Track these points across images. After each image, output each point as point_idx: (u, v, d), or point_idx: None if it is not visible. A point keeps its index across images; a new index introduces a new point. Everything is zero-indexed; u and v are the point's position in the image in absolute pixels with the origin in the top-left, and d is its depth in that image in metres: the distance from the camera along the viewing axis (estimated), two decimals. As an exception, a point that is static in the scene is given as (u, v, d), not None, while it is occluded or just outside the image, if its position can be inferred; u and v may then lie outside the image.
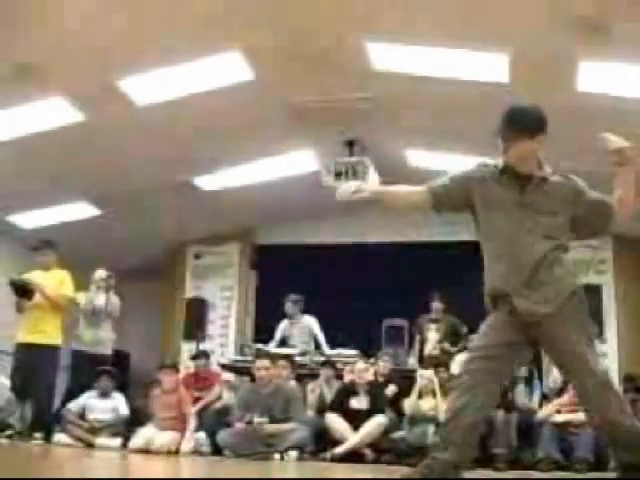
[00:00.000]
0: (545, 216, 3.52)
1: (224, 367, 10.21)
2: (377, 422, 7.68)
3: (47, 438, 7.86)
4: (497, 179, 3.60)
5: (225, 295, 13.17)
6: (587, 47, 7.05)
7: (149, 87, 8.39)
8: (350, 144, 10.38)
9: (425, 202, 3.67)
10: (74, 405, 8.14)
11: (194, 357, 9.72)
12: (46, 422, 8.00)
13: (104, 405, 8.23)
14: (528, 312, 3.41)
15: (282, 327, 9.92)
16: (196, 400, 8.64)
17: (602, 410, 3.35)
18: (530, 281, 3.44)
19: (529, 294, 3.43)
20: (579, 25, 6.67)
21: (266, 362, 7.94)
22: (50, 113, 8.58)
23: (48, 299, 8.04)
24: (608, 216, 3.70)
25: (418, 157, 10.61)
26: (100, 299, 8.70)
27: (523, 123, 3.55)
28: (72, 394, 8.37)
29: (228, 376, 9.89)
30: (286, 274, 12.23)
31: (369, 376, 8.22)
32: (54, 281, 8.19)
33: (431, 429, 7.52)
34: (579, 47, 7.11)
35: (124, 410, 8.31)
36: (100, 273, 8.86)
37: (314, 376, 9.00)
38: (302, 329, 9.83)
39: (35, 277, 8.21)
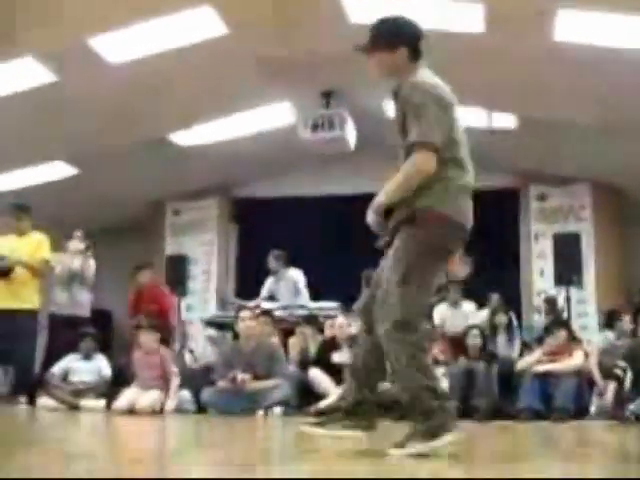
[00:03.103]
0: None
1: (207, 324, 10.23)
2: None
3: (31, 401, 7.88)
4: None
5: (205, 250, 13.14)
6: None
7: (120, 44, 8.24)
8: (327, 96, 10.31)
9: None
10: (57, 368, 8.15)
11: (136, 268, 9.90)
12: (29, 385, 8.01)
13: (87, 367, 8.25)
14: None
15: (268, 284, 9.92)
16: (151, 312, 9.02)
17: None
18: None
19: None
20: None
21: (249, 313, 7.99)
22: (21, 74, 8.42)
23: (27, 267, 7.98)
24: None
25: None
26: (76, 263, 8.66)
27: (380, 34, 3.52)
28: (51, 357, 8.38)
29: (210, 331, 9.92)
30: (266, 227, 12.21)
31: (351, 330, 8.24)
32: (30, 246, 8.13)
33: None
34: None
35: (107, 371, 8.34)
36: (77, 243, 8.80)
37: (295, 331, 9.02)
38: (287, 283, 9.83)
39: (9, 243, 8.13)
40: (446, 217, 3.34)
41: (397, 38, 3.49)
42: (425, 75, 3.49)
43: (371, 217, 3.45)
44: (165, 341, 8.22)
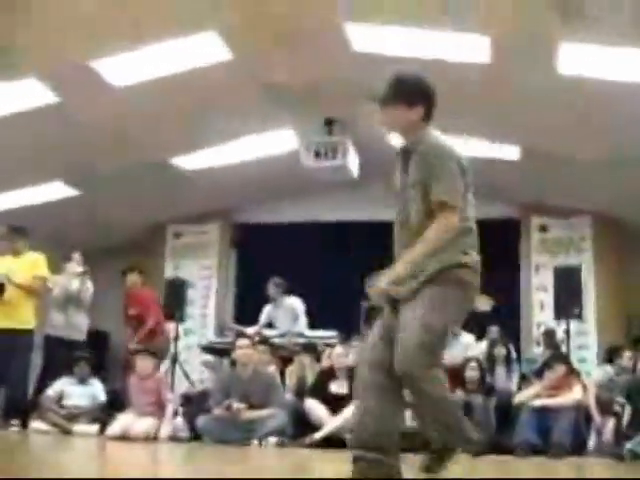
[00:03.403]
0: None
1: (204, 349, 10.18)
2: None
3: (24, 425, 7.81)
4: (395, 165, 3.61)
5: (205, 274, 13.11)
6: (566, 29, 7.01)
7: (124, 68, 8.26)
8: (329, 123, 10.30)
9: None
10: (51, 391, 8.08)
11: (122, 272, 9.83)
12: (22, 408, 7.94)
13: (81, 391, 8.19)
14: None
15: (266, 311, 9.88)
16: (132, 317, 9.27)
17: None
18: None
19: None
20: (558, 7, 6.63)
21: (246, 341, 7.93)
22: (23, 94, 8.43)
23: (20, 288, 7.94)
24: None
25: (399, 137, 10.51)
26: (73, 285, 8.63)
27: (401, 89, 3.51)
28: (46, 379, 8.33)
29: (207, 357, 9.88)
30: (266, 253, 12.18)
31: (348, 361, 8.17)
32: (26, 266, 8.10)
33: (409, 414, 7.50)
34: (558, 29, 7.07)
35: (101, 396, 8.29)
36: (75, 266, 8.79)
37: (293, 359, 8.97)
38: (286, 311, 9.78)
39: (5, 264, 8.10)
40: (468, 278, 3.40)
41: (416, 96, 3.49)
42: (440, 137, 3.51)
43: (381, 288, 3.35)
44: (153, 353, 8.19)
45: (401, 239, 3.48)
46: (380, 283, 3.34)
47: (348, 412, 7.55)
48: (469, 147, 9.74)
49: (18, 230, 8.29)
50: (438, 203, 3.30)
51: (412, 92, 3.50)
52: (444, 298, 3.31)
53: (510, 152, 10.14)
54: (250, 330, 9.31)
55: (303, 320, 9.69)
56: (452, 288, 3.33)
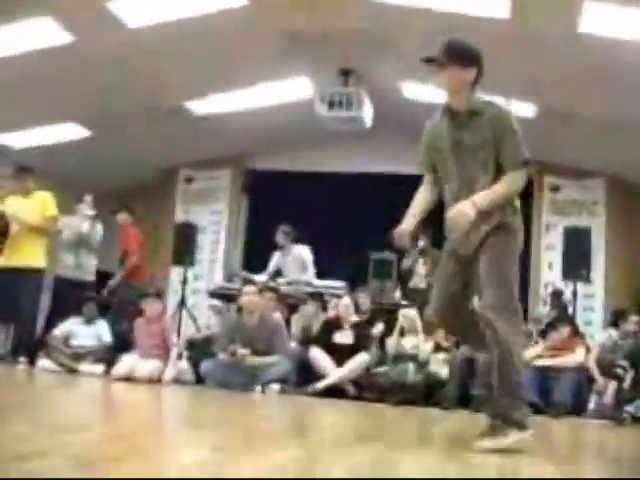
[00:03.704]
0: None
1: (212, 294, 10.23)
2: (361, 359, 7.70)
3: (31, 362, 7.90)
4: (439, 122, 3.90)
5: (215, 219, 13.14)
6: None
7: (141, 9, 8.20)
8: (345, 74, 10.24)
9: (431, 185, 3.99)
10: (58, 331, 8.15)
11: (111, 212, 9.83)
12: (29, 346, 8.03)
13: (88, 332, 8.25)
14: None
15: (275, 259, 9.87)
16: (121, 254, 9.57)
17: None
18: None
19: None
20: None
21: (253, 288, 7.95)
22: (39, 32, 8.38)
23: (30, 227, 7.97)
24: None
25: (413, 89, 10.45)
26: (84, 227, 8.66)
27: (456, 51, 3.78)
28: (53, 319, 8.40)
29: (215, 302, 9.93)
30: (277, 200, 12.17)
31: (354, 314, 8.19)
32: (35, 205, 8.13)
33: (412, 367, 7.57)
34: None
35: (107, 337, 8.34)
36: (86, 208, 8.82)
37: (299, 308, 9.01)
38: (295, 260, 9.78)
39: (15, 204, 8.13)
40: (519, 223, 3.85)
41: (469, 59, 3.78)
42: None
43: (468, 216, 3.57)
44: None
45: (461, 195, 3.71)
46: (468, 211, 3.55)
47: (352, 364, 7.64)
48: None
49: (26, 170, 8.30)
50: (515, 161, 3.69)
51: (465, 55, 3.79)
52: (512, 247, 3.77)
53: (525, 109, 10.04)
54: (258, 278, 9.32)
55: (311, 269, 9.70)
56: (513, 236, 3.77)
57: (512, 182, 3.69)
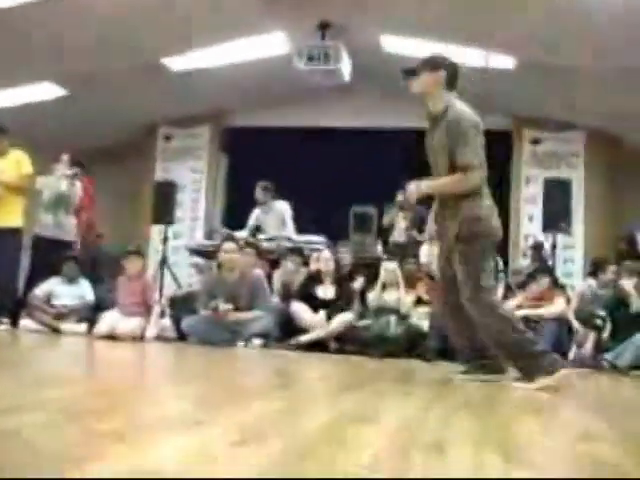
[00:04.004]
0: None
1: (192, 251, 10.22)
2: (344, 318, 7.67)
3: (13, 323, 7.88)
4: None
5: (195, 177, 13.09)
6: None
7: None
8: (323, 27, 10.14)
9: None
10: (39, 291, 8.13)
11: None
12: (10, 306, 8.00)
13: (70, 291, 8.22)
14: None
15: (255, 215, 9.84)
16: None
17: None
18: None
19: None
20: None
21: (232, 245, 7.94)
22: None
23: (9, 186, 7.90)
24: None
25: (392, 43, 10.37)
26: (62, 187, 8.59)
27: (426, 59, 4.52)
28: (34, 279, 8.36)
29: (197, 259, 9.92)
30: (256, 157, 12.10)
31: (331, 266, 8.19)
32: (11, 164, 8.00)
33: (393, 320, 7.61)
34: None
35: (90, 296, 8.32)
36: (64, 168, 8.71)
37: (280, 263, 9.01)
38: (275, 215, 9.75)
39: None
40: (482, 230, 4.51)
41: (438, 63, 4.49)
42: (463, 105, 4.42)
43: (413, 190, 4.51)
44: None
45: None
46: (413, 187, 4.52)
47: (337, 322, 7.66)
48: (463, 56, 9.64)
49: (1, 130, 8.20)
50: (460, 165, 4.29)
51: (435, 60, 4.51)
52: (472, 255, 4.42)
53: (505, 62, 10.01)
54: (239, 234, 9.30)
55: (291, 224, 9.67)
56: (474, 244, 4.42)
57: (454, 182, 4.37)
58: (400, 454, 2.02)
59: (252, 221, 9.80)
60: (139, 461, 1.68)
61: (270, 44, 10.66)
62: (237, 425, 2.29)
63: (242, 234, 9.39)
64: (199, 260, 9.75)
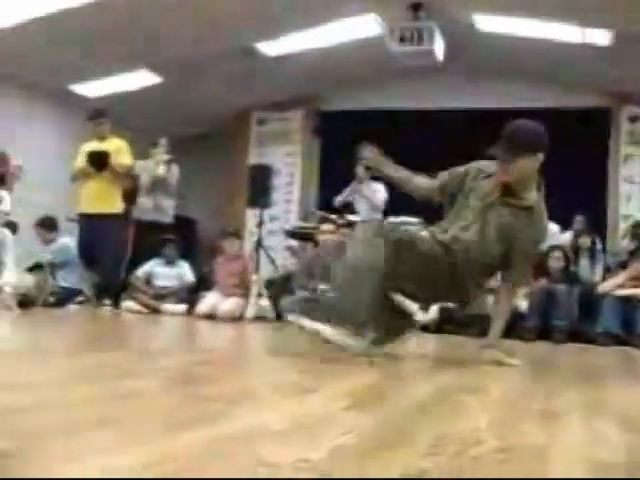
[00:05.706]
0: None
1: (288, 234, 10.31)
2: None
3: (116, 304, 8.11)
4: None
5: (288, 161, 13.18)
6: None
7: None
8: (415, 7, 10.05)
9: (433, 193, 4.16)
10: (140, 272, 8.34)
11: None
12: (114, 289, 8.23)
13: (169, 272, 8.41)
14: None
15: (349, 189, 9.82)
16: None
17: None
18: None
19: None
20: None
21: (331, 226, 8.01)
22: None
23: (112, 170, 8.11)
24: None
25: (486, 21, 10.22)
26: (160, 171, 8.73)
27: (525, 141, 3.64)
28: (135, 261, 8.56)
29: (291, 242, 10.01)
30: (349, 141, 12.03)
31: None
32: (111, 150, 8.21)
33: (491, 299, 7.53)
34: None
35: (189, 277, 8.49)
36: (161, 151, 8.83)
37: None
38: (370, 195, 9.74)
39: (92, 148, 8.24)
40: None
41: (540, 145, 3.65)
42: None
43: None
44: None
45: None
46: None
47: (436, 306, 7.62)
48: (559, 32, 9.44)
49: (102, 112, 8.39)
50: (517, 281, 4.02)
51: (538, 139, 3.71)
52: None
53: (602, 37, 9.75)
54: (334, 216, 9.34)
55: (381, 207, 9.65)
56: None
57: (510, 297, 4.05)
58: (516, 420, 2.02)
59: (346, 194, 9.77)
60: (254, 422, 1.72)
61: (362, 26, 10.63)
62: (346, 392, 2.32)
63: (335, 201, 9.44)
64: (293, 242, 9.84)
